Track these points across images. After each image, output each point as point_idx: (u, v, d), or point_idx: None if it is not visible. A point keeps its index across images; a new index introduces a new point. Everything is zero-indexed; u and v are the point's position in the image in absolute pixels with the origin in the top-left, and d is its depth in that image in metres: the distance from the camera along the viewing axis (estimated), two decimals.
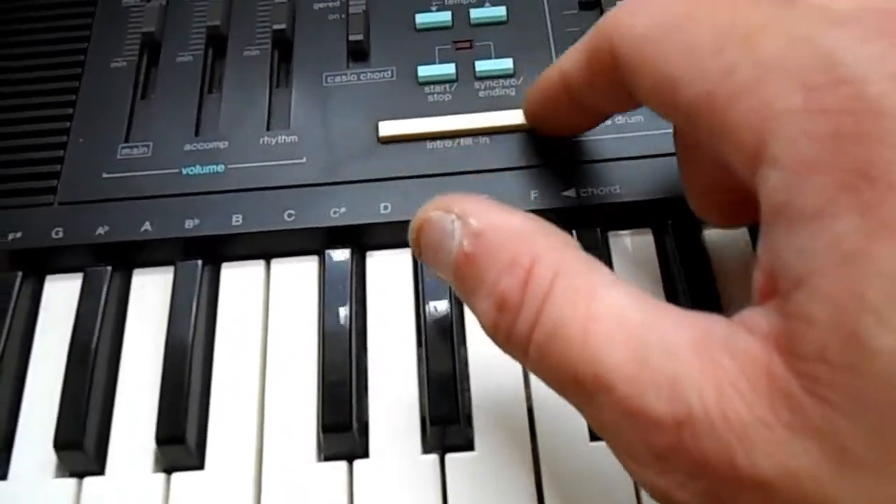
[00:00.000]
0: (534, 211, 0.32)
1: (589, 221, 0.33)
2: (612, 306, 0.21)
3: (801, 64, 0.18)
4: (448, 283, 0.25)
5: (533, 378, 0.30)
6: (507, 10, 0.37)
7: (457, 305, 0.32)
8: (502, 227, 0.23)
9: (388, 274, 0.33)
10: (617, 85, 0.26)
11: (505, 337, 0.22)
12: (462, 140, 0.34)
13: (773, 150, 0.19)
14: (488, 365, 0.31)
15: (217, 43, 0.38)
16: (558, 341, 0.21)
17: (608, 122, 0.34)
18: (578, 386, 0.20)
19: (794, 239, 0.18)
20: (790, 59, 0.19)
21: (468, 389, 0.31)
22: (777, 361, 0.18)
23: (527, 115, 0.34)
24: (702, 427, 0.18)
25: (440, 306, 0.32)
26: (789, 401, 0.17)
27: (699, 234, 0.33)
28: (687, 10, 0.22)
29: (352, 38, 0.37)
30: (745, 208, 0.24)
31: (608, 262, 0.33)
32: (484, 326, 0.23)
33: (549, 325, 0.21)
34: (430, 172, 0.34)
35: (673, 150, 0.33)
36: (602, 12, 0.37)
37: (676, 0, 0.23)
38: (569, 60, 0.28)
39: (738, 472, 0.18)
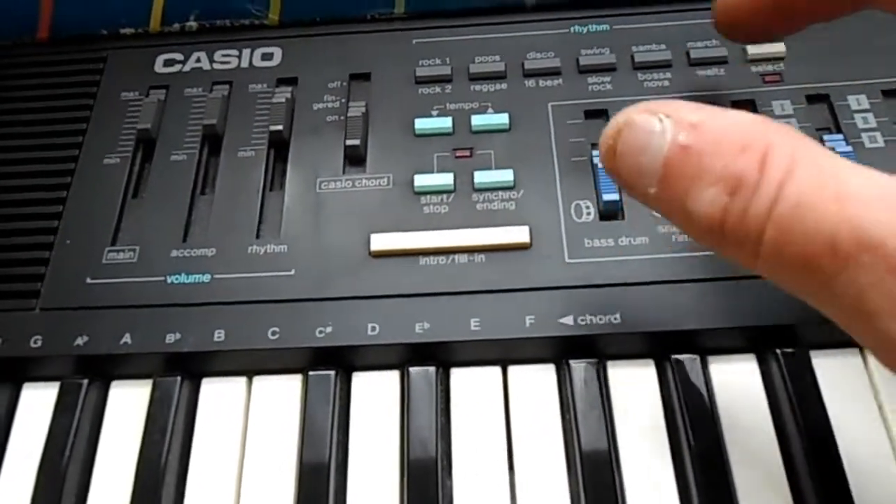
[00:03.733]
0: (528, 339, 0.31)
1: (586, 352, 0.31)
2: (863, 177, 0.20)
3: None
4: (643, 196, 0.24)
5: None
6: (510, 118, 0.36)
7: (443, 438, 0.30)
8: (724, 118, 0.22)
9: (374, 396, 0.32)
10: None
11: (735, 223, 0.21)
12: (457, 257, 0.33)
13: None
14: (475, 497, 0.29)
15: (212, 141, 0.37)
16: (806, 209, 0.20)
17: (611, 243, 0.33)
18: (834, 252, 0.20)
19: None
20: None
21: None
22: None
23: (719, 16, 0.33)
24: None
25: (424, 437, 0.30)
26: None
27: (704, 368, 0.31)
28: None
29: (349, 142, 0.36)
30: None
31: (606, 395, 0.31)
32: (701, 225, 0.22)
33: (793, 196, 0.20)
34: (422, 291, 0.32)
35: (680, 278, 0.31)
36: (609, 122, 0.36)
37: None
38: None
39: None
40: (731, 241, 0.22)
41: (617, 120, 0.24)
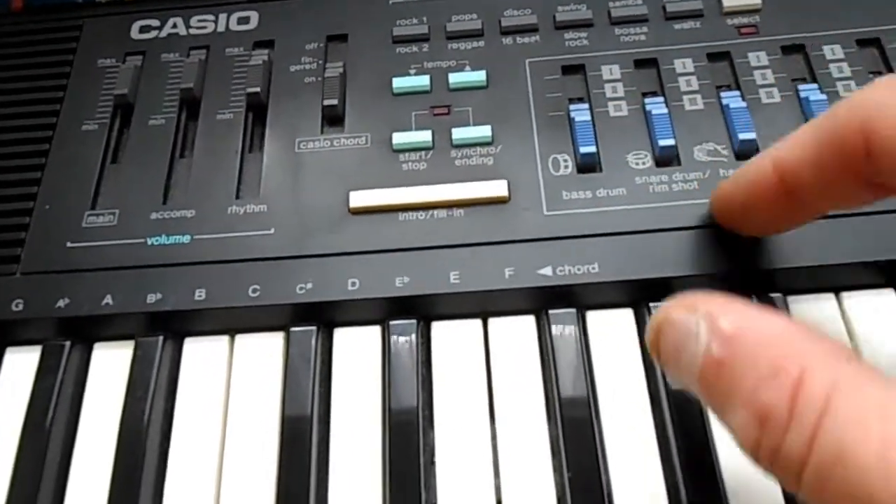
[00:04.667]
0: (507, 291, 0.31)
1: (565, 301, 0.31)
2: None
3: None
4: (691, 391, 0.22)
5: (503, 462, 0.29)
6: (487, 75, 0.36)
7: (425, 390, 0.30)
8: (759, 330, 0.21)
9: (355, 351, 0.32)
10: (859, 177, 0.24)
11: (769, 456, 0.20)
12: (436, 212, 0.33)
13: None
14: (456, 447, 0.29)
15: (190, 105, 0.37)
16: (846, 468, 0.18)
17: (589, 195, 0.33)
18: None
19: None
20: None
21: (434, 477, 0.29)
22: None
23: (719, 209, 0.31)
24: None
25: (406, 389, 0.30)
26: None
27: None
28: None
29: (326, 102, 0.36)
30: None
31: (585, 343, 0.31)
32: (738, 441, 0.21)
33: (832, 447, 0.18)
34: (401, 246, 0.32)
35: (657, 228, 0.32)
36: (586, 78, 0.36)
37: None
38: (788, 149, 0.26)
39: None
40: (769, 470, 0.20)
41: (657, 316, 0.23)
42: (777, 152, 0.27)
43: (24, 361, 0.33)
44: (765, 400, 0.19)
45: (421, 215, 0.33)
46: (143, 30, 0.40)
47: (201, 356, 0.32)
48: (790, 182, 0.26)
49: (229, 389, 0.32)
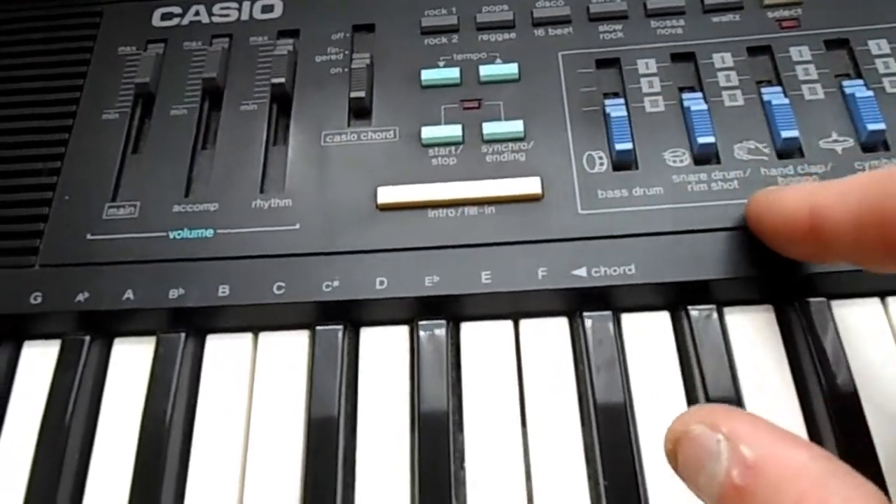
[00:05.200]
0: (540, 291, 0.30)
1: (601, 303, 0.30)
2: None
3: None
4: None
5: (535, 469, 0.28)
6: (519, 68, 0.35)
7: (454, 393, 0.30)
8: (783, 462, 0.20)
9: (383, 351, 0.31)
10: (894, 254, 0.23)
11: None
12: (466, 209, 0.32)
13: None
14: (486, 452, 0.29)
15: (213, 95, 0.36)
16: None
17: (625, 193, 0.32)
18: None
19: None
20: None
21: (463, 482, 0.28)
22: None
23: (749, 219, 0.30)
24: None
25: (435, 392, 0.29)
26: None
27: (721, 319, 0.30)
28: None
29: (353, 94, 0.35)
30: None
31: (621, 347, 0.30)
32: None
33: None
34: (430, 245, 0.31)
35: (696, 228, 0.31)
36: (621, 72, 0.35)
37: None
38: (831, 202, 0.25)
39: None
40: None
41: (676, 427, 0.22)
42: (818, 200, 0.26)
43: (43, 356, 0.32)
44: None
45: (451, 212, 0.32)
46: (164, 17, 0.39)
47: (224, 354, 0.31)
48: (822, 234, 0.25)
49: (253, 389, 0.31)
